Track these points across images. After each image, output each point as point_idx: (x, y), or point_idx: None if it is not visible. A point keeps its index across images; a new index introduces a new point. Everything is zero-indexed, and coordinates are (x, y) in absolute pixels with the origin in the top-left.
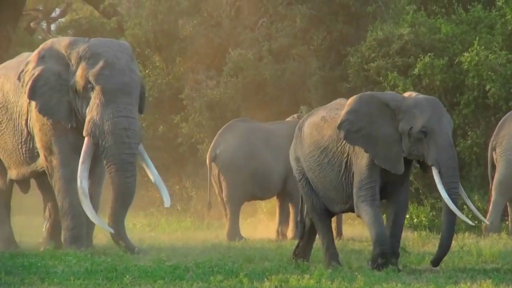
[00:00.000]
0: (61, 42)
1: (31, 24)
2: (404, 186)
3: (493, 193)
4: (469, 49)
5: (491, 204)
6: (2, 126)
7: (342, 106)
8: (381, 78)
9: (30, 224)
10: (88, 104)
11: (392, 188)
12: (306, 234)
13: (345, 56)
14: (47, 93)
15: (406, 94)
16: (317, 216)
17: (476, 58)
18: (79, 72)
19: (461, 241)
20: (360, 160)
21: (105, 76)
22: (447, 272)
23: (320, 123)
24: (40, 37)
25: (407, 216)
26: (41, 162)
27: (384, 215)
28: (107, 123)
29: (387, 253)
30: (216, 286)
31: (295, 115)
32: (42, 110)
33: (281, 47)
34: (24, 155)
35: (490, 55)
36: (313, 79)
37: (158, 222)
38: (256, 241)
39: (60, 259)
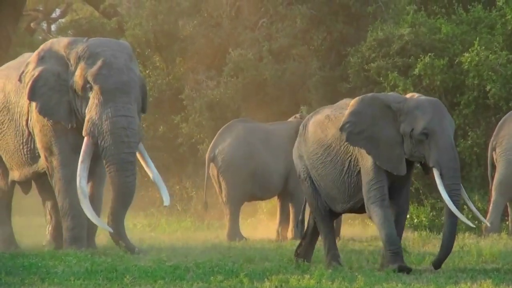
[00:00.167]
0: (60, 43)
1: (31, 24)
2: (406, 187)
3: (493, 193)
4: (470, 49)
5: (491, 204)
6: (4, 127)
7: (348, 106)
8: (381, 79)
9: (30, 224)
10: (87, 104)
11: (394, 189)
12: (309, 235)
13: (345, 56)
14: (46, 93)
15: (409, 96)
16: (320, 217)
17: (477, 58)
18: (78, 72)
19: (462, 241)
20: (366, 161)
21: (103, 76)
22: (447, 272)
23: (325, 122)
24: (40, 37)
25: (407, 216)
26: (42, 163)
27: None
28: (106, 122)
29: (398, 253)
30: (217, 286)
31: (298, 115)
32: (42, 111)
33: (281, 47)
34: (26, 156)
35: (490, 55)
36: (313, 79)
37: (158, 222)
38: (257, 241)
39: (61, 259)
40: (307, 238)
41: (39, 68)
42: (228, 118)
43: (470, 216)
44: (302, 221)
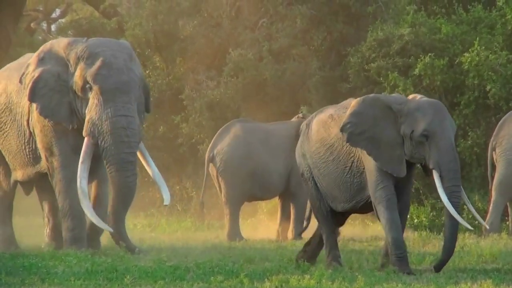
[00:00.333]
0: (60, 43)
1: (32, 24)
2: (407, 187)
3: (493, 193)
4: (470, 49)
5: (491, 204)
6: (6, 128)
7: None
8: (381, 79)
9: (30, 225)
10: (87, 104)
11: (396, 190)
12: (314, 244)
13: (345, 56)
14: (47, 94)
15: (411, 97)
16: (322, 217)
17: (477, 59)
18: (77, 73)
19: (462, 241)
20: (369, 161)
21: (102, 76)
22: (448, 272)
23: (328, 121)
24: (40, 37)
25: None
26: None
27: None
28: (106, 122)
29: (403, 258)
30: (217, 286)
31: (300, 115)
32: (42, 112)
33: (281, 47)
34: (28, 156)
35: (490, 55)
36: (313, 79)
37: (158, 222)
38: (257, 242)
39: (61, 259)
40: (317, 239)
41: (39, 70)
42: (228, 118)
43: (470, 216)
44: (308, 219)
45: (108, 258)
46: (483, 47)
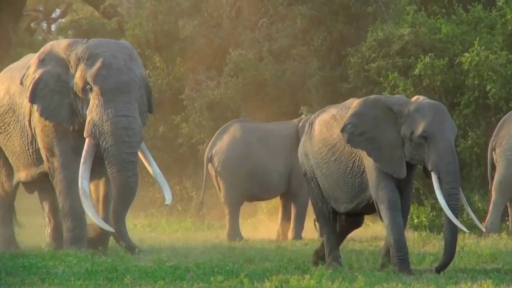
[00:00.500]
0: (60, 45)
1: (32, 24)
2: (408, 188)
3: (493, 193)
4: (470, 50)
5: (491, 205)
6: (10, 128)
7: None
8: (381, 79)
9: (30, 224)
10: (88, 105)
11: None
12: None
13: (346, 56)
14: (47, 95)
15: (414, 99)
16: (323, 218)
17: (477, 59)
18: (78, 74)
19: (462, 241)
20: (369, 162)
21: (102, 77)
22: (448, 272)
23: (330, 121)
24: (40, 37)
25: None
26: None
27: None
28: (107, 123)
29: (404, 260)
30: (217, 286)
31: (303, 116)
32: (43, 113)
33: (281, 47)
34: (32, 157)
35: (490, 55)
36: (314, 79)
37: (158, 222)
38: (257, 242)
39: (61, 259)
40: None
41: (40, 71)
42: (228, 118)
43: (469, 217)
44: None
45: (108, 258)
46: (483, 47)
